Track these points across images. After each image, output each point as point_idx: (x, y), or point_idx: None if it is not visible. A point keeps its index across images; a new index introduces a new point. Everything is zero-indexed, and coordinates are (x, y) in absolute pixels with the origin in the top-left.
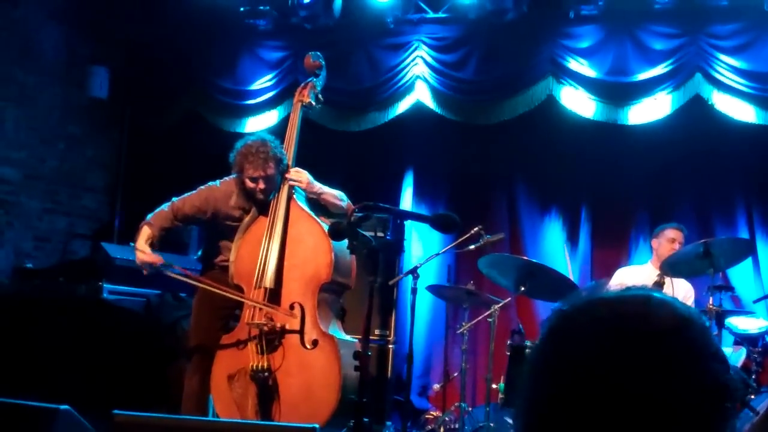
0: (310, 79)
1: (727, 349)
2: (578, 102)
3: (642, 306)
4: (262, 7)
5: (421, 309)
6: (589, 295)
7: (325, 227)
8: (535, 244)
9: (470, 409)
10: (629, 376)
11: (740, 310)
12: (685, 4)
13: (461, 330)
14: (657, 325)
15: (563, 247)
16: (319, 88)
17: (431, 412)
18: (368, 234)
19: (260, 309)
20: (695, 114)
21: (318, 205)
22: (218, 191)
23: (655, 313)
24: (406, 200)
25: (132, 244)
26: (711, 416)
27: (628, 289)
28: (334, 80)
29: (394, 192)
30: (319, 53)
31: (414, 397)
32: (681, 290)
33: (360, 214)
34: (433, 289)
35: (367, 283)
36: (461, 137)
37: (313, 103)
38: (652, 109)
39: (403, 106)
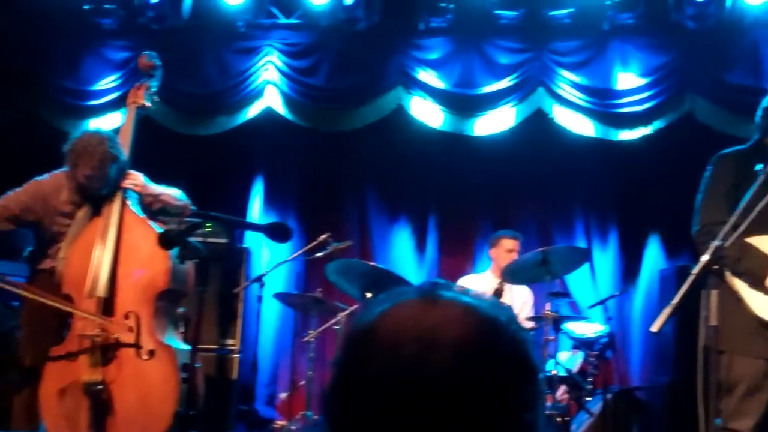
0: (143, 79)
1: (565, 353)
2: (427, 112)
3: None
4: (107, 6)
5: (269, 317)
6: (379, 316)
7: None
8: (384, 251)
9: (316, 417)
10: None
11: (577, 315)
12: (529, 21)
13: (308, 338)
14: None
15: (412, 255)
16: (154, 89)
17: (277, 422)
18: (214, 241)
19: (93, 320)
20: (538, 127)
21: (153, 209)
22: (47, 185)
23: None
24: (255, 207)
25: None
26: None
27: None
28: (182, 83)
29: (242, 199)
30: (154, 53)
31: (260, 406)
32: (520, 296)
33: (193, 221)
34: (281, 296)
35: (198, 293)
36: (312, 144)
37: (148, 104)
38: (496, 121)
39: (252, 111)
